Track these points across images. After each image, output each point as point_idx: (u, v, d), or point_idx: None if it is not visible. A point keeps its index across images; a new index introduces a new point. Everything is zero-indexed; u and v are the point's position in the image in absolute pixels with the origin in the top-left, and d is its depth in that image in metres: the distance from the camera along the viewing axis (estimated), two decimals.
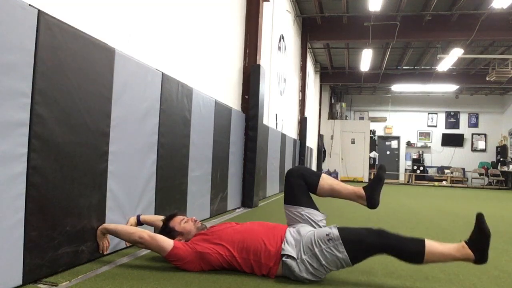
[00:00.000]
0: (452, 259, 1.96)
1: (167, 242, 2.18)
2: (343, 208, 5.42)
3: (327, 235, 2.03)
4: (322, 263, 2.02)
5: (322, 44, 12.25)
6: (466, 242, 1.96)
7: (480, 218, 1.96)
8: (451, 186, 15.31)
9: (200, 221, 2.48)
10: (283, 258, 2.08)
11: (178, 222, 2.37)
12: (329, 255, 2.01)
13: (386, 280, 2.22)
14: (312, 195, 2.31)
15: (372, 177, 2.33)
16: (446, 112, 18.02)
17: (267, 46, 6.93)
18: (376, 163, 16.95)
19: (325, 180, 2.27)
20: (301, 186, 2.25)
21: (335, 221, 4.34)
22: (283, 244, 2.10)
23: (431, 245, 1.96)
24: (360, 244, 2.00)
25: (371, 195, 2.21)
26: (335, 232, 2.03)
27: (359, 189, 2.26)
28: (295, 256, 2.06)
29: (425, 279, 2.29)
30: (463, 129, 17.83)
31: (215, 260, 2.16)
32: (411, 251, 1.97)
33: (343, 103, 17.13)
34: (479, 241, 1.94)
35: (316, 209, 2.27)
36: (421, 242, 1.96)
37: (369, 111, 18.58)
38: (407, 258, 2.01)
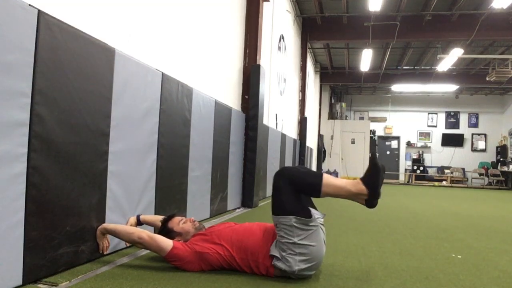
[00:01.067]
0: (347, 192, 2.08)
1: (166, 243, 2.18)
2: (342, 208, 5.42)
3: (275, 225, 2.11)
4: (293, 240, 2.04)
5: (322, 44, 12.25)
6: (361, 178, 2.09)
7: (373, 156, 2.04)
8: (451, 186, 15.31)
9: (198, 221, 2.48)
10: (273, 261, 2.09)
11: (177, 223, 2.38)
12: (286, 228, 2.04)
13: (386, 280, 2.22)
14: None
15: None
16: (446, 112, 18.02)
17: (267, 46, 6.93)
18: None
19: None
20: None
21: (335, 221, 4.36)
22: (272, 245, 2.12)
23: (328, 177, 2.10)
24: (283, 197, 2.07)
25: (375, 189, 2.10)
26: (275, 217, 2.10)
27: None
28: (278, 255, 2.07)
29: (425, 279, 2.29)
30: (463, 129, 17.83)
31: (214, 260, 2.16)
32: (309, 182, 2.08)
33: (343, 103, 17.12)
34: (371, 176, 2.06)
35: (314, 207, 2.26)
36: (319, 176, 2.09)
37: (369, 111, 18.58)
38: (306, 190, 2.11)
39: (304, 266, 2.05)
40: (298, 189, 2.09)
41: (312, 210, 2.18)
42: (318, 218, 2.21)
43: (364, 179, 2.09)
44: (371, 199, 2.08)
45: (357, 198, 2.11)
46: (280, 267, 2.07)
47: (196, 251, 2.17)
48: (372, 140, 16.95)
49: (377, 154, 17.26)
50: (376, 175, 2.06)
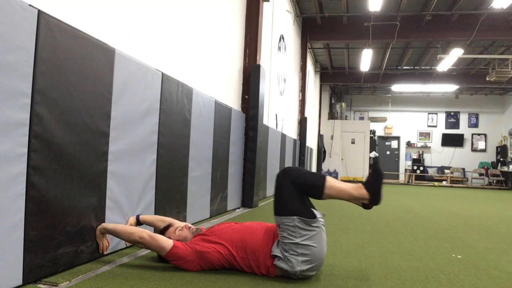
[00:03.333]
0: (349, 196, 2.09)
1: (167, 242, 2.18)
2: (342, 208, 5.42)
3: (278, 225, 2.10)
4: (295, 240, 2.04)
5: (322, 44, 12.25)
6: (362, 183, 2.10)
7: (375, 160, 2.10)
8: (451, 186, 15.31)
9: (198, 221, 2.48)
10: (274, 261, 2.09)
11: (173, 232, 2.38)
12: (289, 229, 2.05)
13: (386, 280, 2.22)
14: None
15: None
16: (446, 112, 18.02)
17: (267, 46, 6.93)
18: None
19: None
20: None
21: (335, 221, 4.36)
22: (273, 244, 2.12)
23: (330, 180, 2.11)
24: (286, 198, 2.08)
25: (377, 194, 2.13)
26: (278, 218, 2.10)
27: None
28: (281, 255, 2.07)
29: (425, 279, 2.29)
30: (463, 129, 17.83)
31: (215, 259, 2.16)
32: (312, 183, 2.09)
33: (343, 103, 17.12)
34: (373, 181, 2.08)
35: (313, 207, 2.26)
36: (323, 177, 2.11)
37: (369, 111, 18.58)
38: (309, 191, 2.11)
39: (305, 267, 2.06)
40: (301, 189, 2.09)
41: (314, 211, 2.19)
42: (319, 218, 2.21)
43: (366, 184, 2.10)
44: (371, 204, 2.10)
45: (358, 202, 2.13)
46: (282, 267, 2.07)
47: (196, 250, 2.17)
48: (372, 140, 16.96)
49: (377, 155, 17.26)
50: (378, 181, 2.08)
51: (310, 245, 2.05)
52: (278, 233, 2.12)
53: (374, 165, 2.13)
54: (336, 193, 2.10)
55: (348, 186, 2.12)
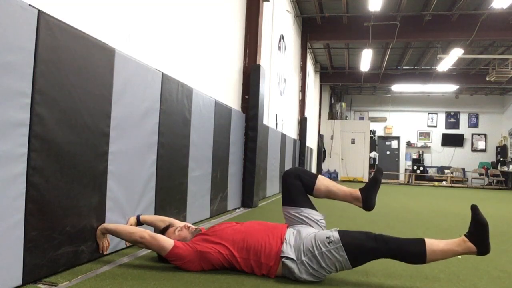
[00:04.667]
0: (454, 254, 1.97)
1: (167, 242, 2.18)
2: (343, 209, 5.42)
3: (327, 237, 2.04)
4: (322, 265, 2.02)
5: (322, 44, 12.25)
6: (466, 236, 1.96)
7: (475, 210, 1.96)
8: (451, 186, 15.31)
9: (198, 221, 2.48)
10: (283, 260, 2.08)
11: (172, 232, 2.38)
12: (330, 258, 2.01)
13: (386, 280, 2.22)
14: (310, 197, 2.32)
15: (371, 177, 2.28)
16: (446, 112, 18.02)
17: (267, 46, 6.93)
18: (376, 163, 16.95)
19: (322, 182, 2.29)
20: (298, 187, 2.27)
21: (335, 222, 4.36)
22: (283, 245, 2.10)
23: (431, 243, 1.96)
24: (361, 248, 2.00)
25: (367, 197, 2.22)
26: (335, 235, 2.04)
27: (355, 191, 2.26)
28: (294, 258, 2.06)
29: (425, 279, 2.29)
30: (463, 129, 17.83)
31: (215, 259, 2.16)
32: (412, 253, 1.97)
33: (343, 103, 17.12)
34: (478, 233, 1.94)
35: (315, 209, 2.28)
36: (421, 242, 1.97)
37: (369, 111, 18.58)
38: (410, 260, 2.02)
39: (310, 279, 2.07)
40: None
41: (309, 210, 2.21)
42: (320, 219, 2.22)
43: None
44: (365, 208, 2.20)
45: (352, 202, 2.24)
46: (290, 267, 2.05)
47: (197, 251, 2.17)
48: (372, 140, 16.96)
49: (377, 155, 17.26)
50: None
51: (325, 268, 2.04)
52: (290, 230, 2.18)
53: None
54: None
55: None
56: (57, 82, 1.96)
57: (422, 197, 9.05)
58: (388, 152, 18.37)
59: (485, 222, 1.92)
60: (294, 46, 10.02)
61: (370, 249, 1.99)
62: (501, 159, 16.33)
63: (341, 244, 2.00)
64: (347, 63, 14.13)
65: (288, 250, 2.08)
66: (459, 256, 2.93)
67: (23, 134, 1.77)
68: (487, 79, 12.11)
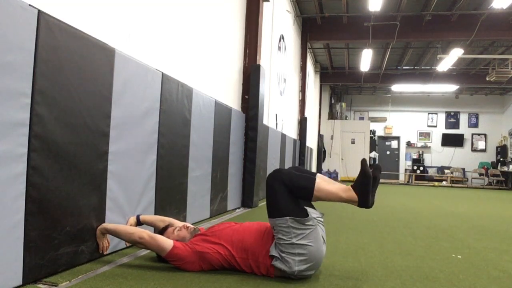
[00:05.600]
0: (339, 198, 2.09)
1: (167, 242, 2.18)
2: (343, 209, 5.42)
3: (273, 228, 2.11)
4: (291, 241, 2.04)
5: (322, 44, 12.25)
6: (351, 185, 2.09)
7: (363, 162, 2.07)
8: (451, 186, 15.31)
9: (198, 221, 2.48)
10: (272, 262, 2.09)
11: (172, 232, 2.38)
12: (283, 230, 2.05)
13: (386, 280, 2.22)
14: None
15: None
16: (446, 112, 18.02)
17: (267, 46, 6.93)
18: (376, 163, 16.94)
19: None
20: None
21: (334, 221, 4.36)
22: (271, 245, 2.12)
23: (320, 183, 2.09)
24: (277, 199, 2.08)
25: (365, 197, 2.14)
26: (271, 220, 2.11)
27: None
28: (278, 256, 2.07)
29: (425, 279, 2.29)
30: (463, 129, 17.83)
31: (214, 260, 2.16)
32: (301, 185, 2.08)
33: (343, 103, 17.12)
34: (362, 184, 2.05)
35: (313, 207, 2.25)
36: (312, 179, 2.09)
37: (369, 111, 18.58)
38: (299, 193, 2.10)
39: (303, 267, 2.05)
40: (291, 191, 2.10)
41: (309, 209, 2.19)
42: (317, 217, 2.21)
43: (354, 186, 2.09)
44: (361, 206, 2.09)
45: (349, 203, 2.13)
46: (280, 268, 2.07)
47: (196, 251, 2.17)
48: (372, 140, 16.96)
49: (377, 155, 17.25)
50: (365, 183, 2.06)
51: (306, 244, 2.04)
52: (274, 235, 2.12)
53: (362, 167, 2.09)
54: (325, 196, 2.10)
55: (337, 189, 2.12)
56: (57, 82, 1.96)
57: (422, 197, 9.05)
58: (388, 152, 18.37)
59: (370, 174, 2.04)
60: (294, 46, 10.02)
61: (280, 193, 2.09)
62: (501, 159, 16.33)
63: (277, 218, 2.06)
64: (347, 63, 14.13)
65: (273, 249, 2.10)
66: (459, 256, 2.93)
67: (23, 134, 1.77)
68: (487, 79, 12.10)
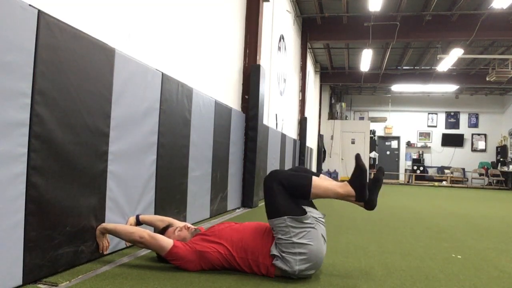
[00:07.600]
0: (336, 194, 2.12)
1: (167, 242, 2.18)
2: (342, 208, 5.42)
3: (272, 228, 2.12)
4: (291, 240, 2.04)
5: (322, 44, 12.25)
6: (348, 181, 2.12)
7: (357, 157, 2.11)
8: (451, 186, 15.31)
9: (198, 221, 2.48)
10: (273, 262, 2.09)
11: (172, 232, 2.38)
12: (282, 230, 2.06)
13: (386, 280, 2.22)
14: None
15: (371, 177, 2.25)
16: (446, 112, 18.01)
17: (267, 46, 6.93)
18: (376, 163, 16.95)
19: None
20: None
21: (335, 221, 4.35)
22: (272, 245, 2.12)
23: (317, 180, 2.12)
24: (275, 199, 2.09)
25: (369, 197, 2.14)
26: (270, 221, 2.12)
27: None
28: (278, 255, 2.08)
29: (425, 279, 2.29)
30: (463, 129, 17.83)
31: (214, 259, 2.16)
32: (298, 184, 2.11)
33: (343, 103, 17.12)
34: (358, 178, 2.09)
35: (314, 207, 2.26)
36: (309, 177, 2.12)
37: (369, 111, 18.58)
38: (296, 192, 2.11)
39: (304, 266, 2.05)
40: (288, 190, 2.11)
41: (310, 209, 2.19)
42: (318, 217, 2.21)
43: (350, 181, 2.12)
44: (359, 200, 2.10)
45: (348, 199, 2.14)
46: (281, 267, 2.07)
47: (196, 250, 2.17)
48: (372, 140, 16.96)
49: (377, 155, 17.25)
50: (360, 177, 2.09)
51: (306, 243, 2.05)
52: (274, 235, 2.12)
53: (357, 162, 2.13)
54: (323, 192, 2.12)
55: (334, 185, 2.15)
56: (57, 82, 1.96)
57: (422, 197, 9.04)
58: (388, 152, 18.37)
59: (364, 168, 2.08)
60: (294, 46, 10.02)
61: (278, 192, 2.10)
62: (501, 159, 16.32)
63: (276, 218, 2.08)
64: (347, 63, 14.13)
65: (273, 248, 2.10)
66: (459, 256, 2.93)
67: (23, 134, 1.77)
68: (487, 79, 12.10)
